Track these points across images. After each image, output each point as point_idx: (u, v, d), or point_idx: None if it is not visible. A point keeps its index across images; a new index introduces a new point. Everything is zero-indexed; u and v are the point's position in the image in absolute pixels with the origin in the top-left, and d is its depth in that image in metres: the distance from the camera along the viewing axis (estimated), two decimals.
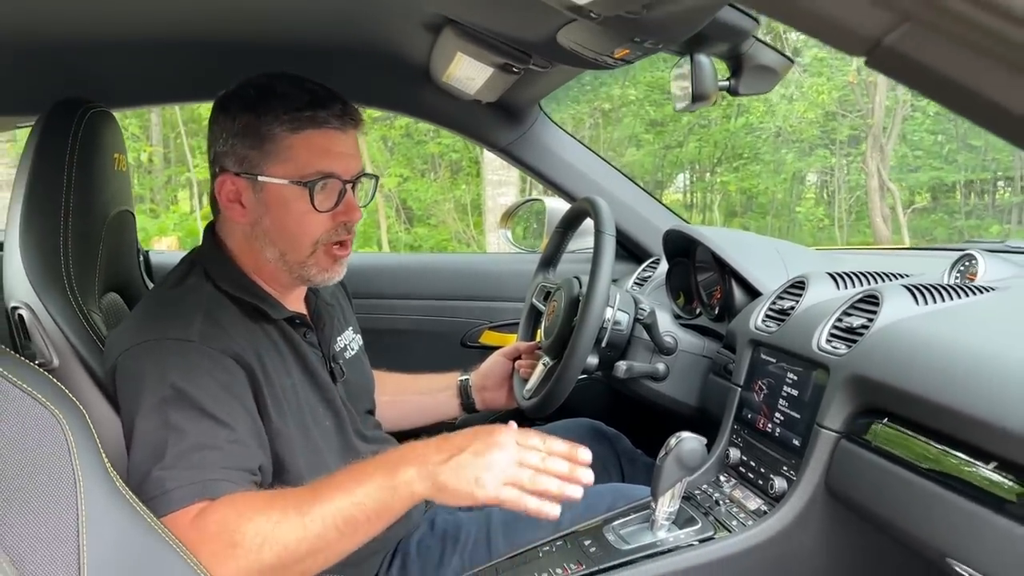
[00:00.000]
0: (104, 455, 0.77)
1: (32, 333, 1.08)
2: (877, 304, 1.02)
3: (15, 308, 1.10)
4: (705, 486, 1.18)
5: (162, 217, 8.68)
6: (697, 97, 1.13)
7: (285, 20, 1.37)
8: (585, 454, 0.97)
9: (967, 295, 1.02)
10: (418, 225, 9.14)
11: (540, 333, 1.45)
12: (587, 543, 1.07)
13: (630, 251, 1.87)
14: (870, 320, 1.00)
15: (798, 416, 1.05)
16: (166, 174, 10.08)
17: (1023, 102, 0.40)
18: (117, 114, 1.31)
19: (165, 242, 6.61)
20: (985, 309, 0.99)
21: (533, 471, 0.93)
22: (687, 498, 1.14)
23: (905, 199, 8.55)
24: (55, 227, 1.13)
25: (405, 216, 9.29)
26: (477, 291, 1.95)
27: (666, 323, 1.39)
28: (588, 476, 0.96)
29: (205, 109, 1.08)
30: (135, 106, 2.74)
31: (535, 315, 1.54)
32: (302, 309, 1.19)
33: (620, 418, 1.60)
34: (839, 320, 1.06)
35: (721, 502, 1.12)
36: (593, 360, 1.31)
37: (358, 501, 0.91)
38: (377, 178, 1.19)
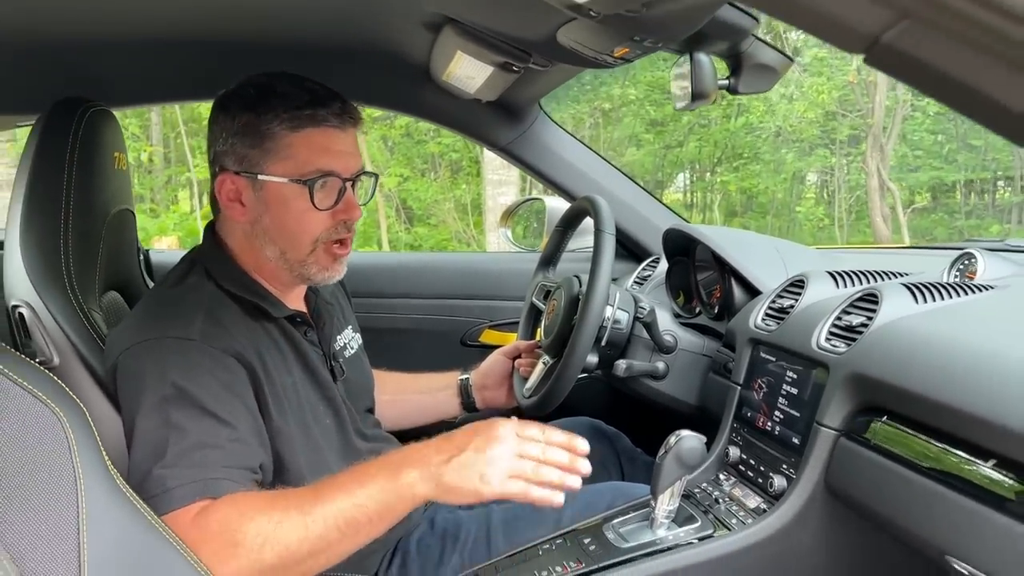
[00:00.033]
0: (104, 453, 0.77)
1: (32, 331, 1.09)
2: (876, 302, 1.02)
3: (15, 306, 1.10)
4: (705, 484, 1.18)
5: (162, 217, 8.68)
6: (697, 96, 1.13)
7: (285, 19, 1.37)
8: (583, 444, 0.98)
9: (966, 294, 1.02)
10: (418, 225, 9.14)
11: (540, 332, 1.45)
12: (587, 541, 1.08)
13: (630, 250, 1.87)
14: (869, 318, 1.00)
15: (798, 414, 1.06)
16: (166, 174, 10.08)
17: (1023, 100, 0.40)
18: (117, 113, 1.31)
19: (165, 242, 6.61)
20: (984, 307, 0.99)
21: (535, 462, 0.94)
22: (687, 496, 1.14)
23: (905, 199, 8.55)
24: (55, 226, 1.13)
25: (405, 216, 9.29)
26: (477, 290, 1.95)
27: (666, 322, 1.40)
28: (586, 466, 0.97)
29: (205, 109, 1.09)
30: (135, 105, 2.73)
31: (535, 314, 1.55)
32: (302, 308, 1.20)
33: (620, 417, 1.60)
34: (838, 318, 1.06)
35: (721, 500, 1.12)
36: (593, 359, 1.31)
37: (360, 503, 0.91)
38: (377, 176, 1.19)
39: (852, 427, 0.96)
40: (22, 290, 1.09)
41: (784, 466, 1.06)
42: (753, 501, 1.09)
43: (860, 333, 1.00)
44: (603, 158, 1.89)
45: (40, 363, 1.06)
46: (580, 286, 1.33)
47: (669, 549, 1.03)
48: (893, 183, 8.37)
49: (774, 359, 1.15)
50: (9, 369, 0.71)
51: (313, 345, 1.15)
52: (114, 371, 1.03)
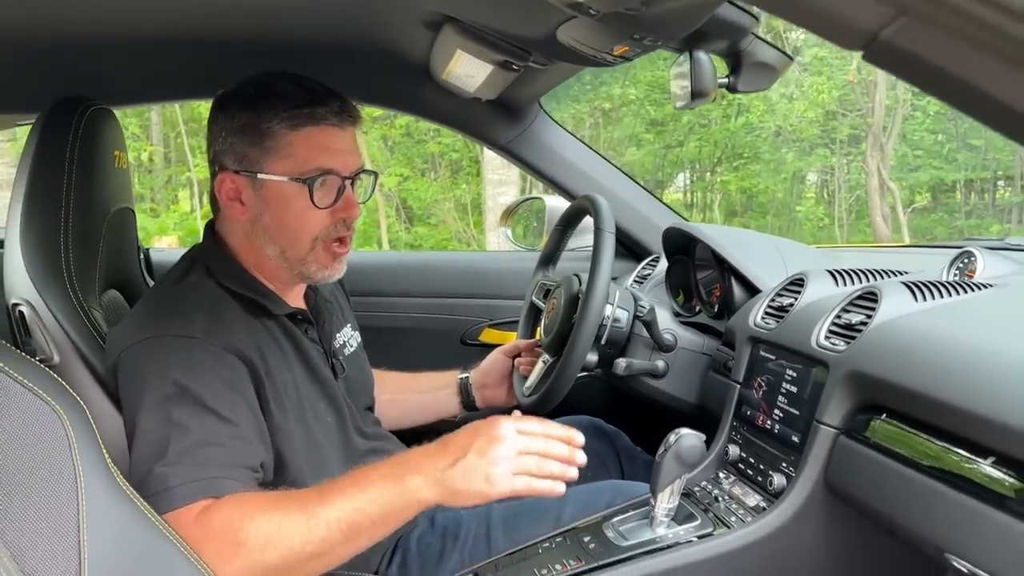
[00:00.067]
0: (104, 451, 0.77)
1: (33, 329, 1.09)
2: (876, 301, 1.02)
3: (16, 305, 1.10)
4: (704, 483, 1.18)
5: (162, 216, 8.68)
6: (696, 94, 1.13)
7: (285, 18, 1.37)
8: (580, 437, 0.99)
9: (966, 292, 1.02)
10: (418, 224, 9.14)
11: (540, 331, 1.45)
12: (586, 539, 1.08)
13: (630, 249, 1.87)
14: (869, 317, 1.00)
15: (797, 413, 1.06)
16: (166, 173, 10.08)
17: None
18: (117, 112, 1.31)
19: (166, 241, 6.62)
20: (984, 306, 0.99)
21: (538, 456, 0.95)
22: (686, 495, 1.14)
23: (905, 198, 8.55)
24: (55, 224, 1.13)
25: (405, 215, 9.29)
26: (477, 289, 1.95)
27: (666, 320, 1.40)
28: (583, 457, 0.99)
29: (205, 108, 1.09)
30: (135, 104, 2.74)
31: (535, 313, 1.55)
32: (303, 306, 1.20)
33: (620, 416, 1.60)
34: (838, 317, 1.06)
35: (720, 498, 1.12)
36: (592, 357, 1.32)
37: (364, 507, 0.92)
38: (376, 175, 1.19)
39: (852, 425, 0.96)
40: (22, 288, 1.09)
41: (783, 464, 1.06)
42: (753, 499, 1.09)
43: (860, 331, 1.00)
44: (603, 157, 1.89)
45: (40, 361, 1.06)
46: (580, 285, 1.33)
47: (669, 547, 1.03)
48: (893, 183, 8.38)
49: (774, 357, 1.15)
50: (9, 367, 0.71)
51: (314, 343, 1.16)
52: (115, 369, 1.03)
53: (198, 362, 0.98)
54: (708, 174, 10.13)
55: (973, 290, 1.02)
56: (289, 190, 1.05)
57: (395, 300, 1.94)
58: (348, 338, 1.29)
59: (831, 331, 1.05)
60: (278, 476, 1.05)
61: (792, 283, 1.25)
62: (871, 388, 0.94)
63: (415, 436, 1.43)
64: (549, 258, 1.57)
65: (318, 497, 0.93)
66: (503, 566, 1.08)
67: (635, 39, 0.95)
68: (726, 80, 1.20)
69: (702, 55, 1.11)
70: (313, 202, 1.05)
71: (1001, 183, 9.21)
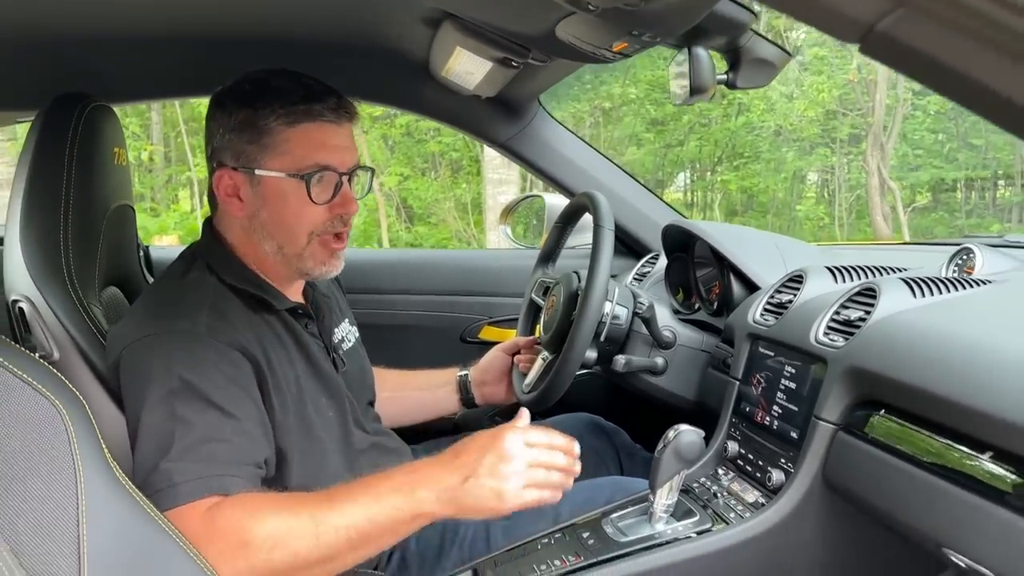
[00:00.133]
0: (104, 446, 0.77)
1: (32, 326, 1.09)
2: (875, 297, 1.02)
3: (15, 301, 1.10)
4: (703, 479, 1.18)
5: (163, 216, 8.69)
6: (695, 90, 1.13)
7: (285, 16, 1.37)
8: (577, 446, 1.02)
9: (965, 288, 1.02)
10: (418, 224, 9.15)
11: (539, 328, 1.45)
12: (585, 535, 1.08)
13: (629, 247, 1.88)
14: (868, 313, 1.00)
15: (796, 409, 1.06)
16: (167, 173, 10.09)
17: None
18: (117, 111, 1.31)
19: (166, 240, 6.62)
20: (983, 302, 0.99)
21: (544, 468, 0.96)
22: (685, 491, 1.14)
23: (906, 198, 8.55)
24: (55, 221, 1.13)
25: (406, 215, 9.29)
26: (476, 287, 1.95)
27: (665, 318, 1.40)
28: (578, 466, 1.02)
29: (205, 107, 1.09)
30: (135, 101, 2.74)
31: (534, 310, 1.55)
32: (302, 301, 1.20)
33: (619, 413, 1.60)
34: (837, 313, 1.06)
35: (719, 495, 1.12)
36: (592, 354, 1.32)
37: (373, 517, 0.92)
38: (373, 171, 1.20)
39: (850, 421, 0.96)
40: (22, 285, 1.09)
41: (782, 460, 1.06)
42: (751, 495, 1.09)
43: (858, 327, 1.00)
44: (602, 155, 1.89)
45: (40, 358, 1.06)
46: (579, 282, 1.33)
47: (667, 543, 1.03)
48: (893, 182, 8.38)
49: (772, 354, 1.15)
50: (9, 361, 0.71)
51: (314, 337, 1.16)
52: (117, 366, 1.03)
53: (202, 358, 0.98)
54: (708, 173, 10.13)
55: (972, 286, 1.02)
56: (286, 186, 1.06)
57: (395, 298, 1.94)
58: (347, 333, 1.29)
59: (830, 327, 1.05)
60: (279, 471, 1.05)
61: (791, 280, 1.25)
62: (870, 384, 0.94)
63: (415, 433, 1.44)
64: (548, 255, 1.57)
65: (328, 503, 0.93)
66: (502, 562, 1.08)
67: (634, 35, 0.95)
68: (725, 76, 1.20)
69: (701, 51, 1.12)
70: (310, 198, 1.05)
71: (1001, 182, 9.21)
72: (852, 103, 8.71)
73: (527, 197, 2.15)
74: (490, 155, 7.19)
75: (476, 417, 1.67)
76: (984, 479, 0.75)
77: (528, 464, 0.95)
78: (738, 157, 9.39)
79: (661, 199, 1.94)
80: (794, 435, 1.04)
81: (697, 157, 9.77)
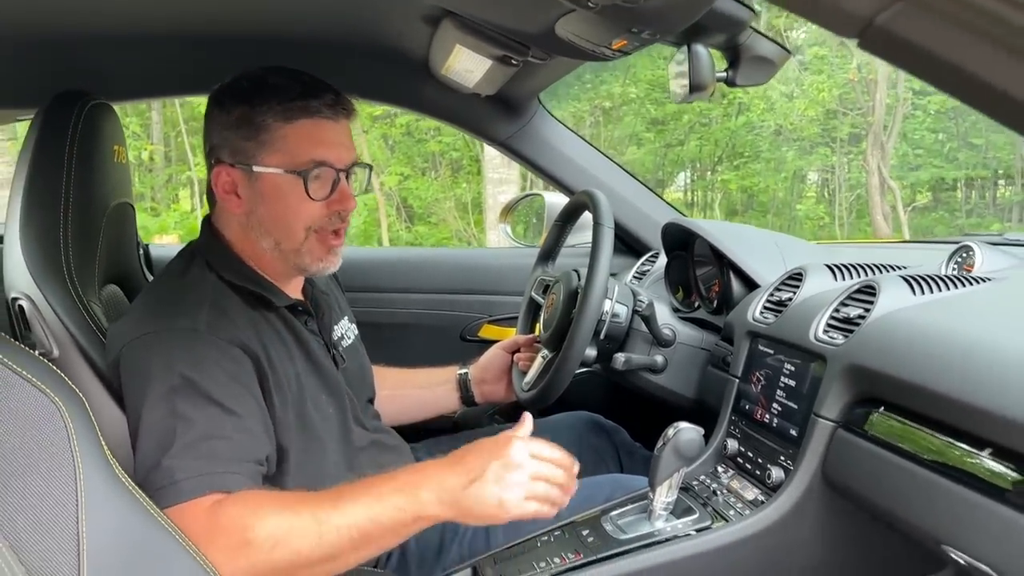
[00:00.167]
0: (104, 443, 0.77)
1: (32, 324, 1.09)
2: (874, 294, 1.02)
3: (15, 299, 1.10)
4: (703, 477, 1.18)
5: (163, 215, 8.69)
6: (694, 87, 1.13)
7: (284, 15, 1.37)
8: (577, 466, 1.02)
9: (964, 285, 1.02)
10: (419, 223, 9.15)
11: (539, 326, 1.45)
12: (585, 533, 1.08)
13: (629, 245, 1.87)
14: (867, 310, 1.00)
15: (795, 406, 1.06)
16: (167, 173, 10.09)
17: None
18: (118, 110, 1.31)
19: (166, 240, 6.62)
20: (982, 299, 0.99)
21: (546, 483, 0.97)
22: (685, 489, 1.14)
23: (906, 197, 8.55)
24: (55, 218, 1.13)
25: (406, 214, 9.29)
26: (476, 285, 1.95)
27: (664, 316, 1.40)
28: (576, 486, 1.02)
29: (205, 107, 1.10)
30: (135, 99, 2.74)
31: (534, 308, 1.55)
32: (301, 298, 1.20)
33: (619, 411, 1.60)
34: (836, 311, 1.06)
35: (719, 492, 1.12)
36: (591, 352, 1.32)
37: (375, 518, 0.92)
38: (371, 167, 1.20)
39: (850, 418, 0.96)
40: (22, 282, 1.09)
41: (782, 458, 1.06)
42: (751, 493, 1.09)
43: (858, 325, 1.00)
44: (602, 153, 1.89)
45: (40, 355, 1.06)
46: (579, 280, 1.33)
47: (667, 540, 1.03)
48: (894, 181, 8.38)
49: (772, 352, 1.15)
50: (8, 359, 0.71)
51: (313, 334, 1.16)
52: (117, 364, 1.03)
53: (203, 356, 0.98)
54: (709, 173, 10.14)
55: (971, 284, 1.02)
56: (284, 182, 1.06)
57: (395, 296, 1.94)
58: (346, 330, 1.29)
59: (829, 325, 1.05)
60: (278, 468, 1.05)
61: (791, 277, 1.25)
62: (869, 381, 0.94)
63: (414, 431, 1.44)
64: (548, 254, 1.57)
65: (330, 502, 0.93)
66: (501, 559, 1.08)
67: (633, 32, 0.95)
68: (724, 74, 1.20)
69: (700, 49, 1.12)
70: (308, 194, 1.05)
71: (1002, 182, 9.21)
72: (852, 102, 8.71)
73: (527, 196, 2.15)
74: (490, 154, 7.19)
75: (476, 415, 1.67)
76: (984, 476, 0.75)
77: (531, 476, 0.95)
78: (738, 156, 9.39)
79: (661, 197, 1.94)
80: (793, 433, 1.04)
81: (697, 157, 9.78)
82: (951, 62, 0.41)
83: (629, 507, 1.11)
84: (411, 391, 1.49)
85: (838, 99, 8.51)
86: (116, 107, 1.31)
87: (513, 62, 1.28)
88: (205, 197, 1.18)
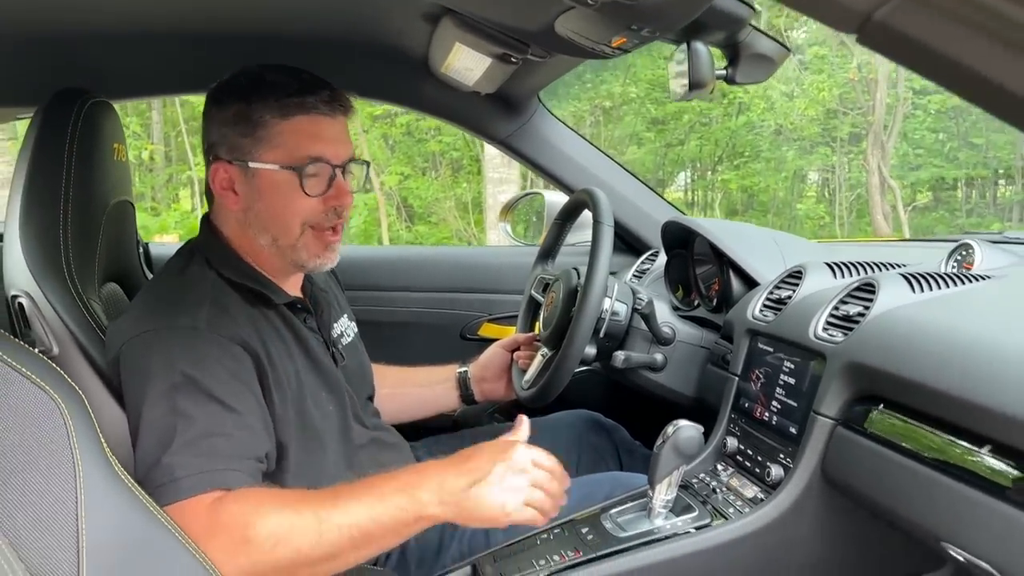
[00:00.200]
0: (103, 440, 0.77)
1: (32, 321, 1.09)
2: (874, 292, 1.02)
3: (15, 297, 1.10)
4: (702, 474, 1.18)
5: (163, 215, 8.69)
6: (694, 85, 1.13)
7: (284, 12, 1.37)
8: (568, 480, 1.03)
9: (964, 283, 1.02)
10: (419, 223, 9.15)
11: (539, 324, 1.45)
12: (585, 531, 1.08)
13: (629, 244, 1.87)
14: (867, 308, 1.00)
15: (795, 404, 1.06)
16: (167, 172, 10.09)
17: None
18: (117, 107, 1.31)
19: (167, 239, 6.62)
20: (982, 297, 0.99)
21: (542, 491, 0.97)
22: (684, 486, 1.15)
23: (906, 197, 8.55)
24: (55, 216, 1.13)
25: (406, 214, 9.29)
26: (476, 284, 1.95)
27: (664, 314, 1.40)
28: (566, 499, 1.03)
29: None
30: (135, 97, 2.74)
31: (534, 306, 1.55)
32: (300, 295, 1.20)
33: (618, 410, 1.60)
34: (836, 308, 1.06)
35: (718, 490, 1.12)
36: (591, 350, 1.32)
37: (375, 516, 0.92)
38: (368, 164, 1.20)
39: (849, 416, 0.96)
40: (22, 280, 1.09)
41: (781, 456, 1.06)
42: (750, 491, 1.09)
43: (857, 322, 1.00)
44: (602, 152, 1.89)
45: (39, 353, 1.06)
46: (579, 278, 1.33)
47: (666, 538, 1.03)
48: (894, 181, 8.38)
49: (772, 350, 1.15)
50: (8, 356, 0.71)
51: (313, 332, 1.16)
52: (117, 362, 1.03)
53: (204, 353, 0.98)
54: (709, 173, 10.13)
55: (971, 281, 1.02)
56: (280, 178, 1.06)
57: (395, 295, 1.94)
58: (345, 328, 1.29)
59: (829, 323, 1.05)
60: (277, 465, 1.05)
61: (790, 276, 1.25)
62: (869, 379, 0.94)
63: (414, 429, 1.44)
64: (548, 252, 1.57)
65: (332, 501, 0.93)
66: (501, 557, 1.08)
67: (633, 30, 0.95)
68: (724, 72, 1.20)
69: (700, 46, 1.11)
70: (304, 190, 1.06)
71: (1002, 181, 9.21)
72: (852, 102, 8.71)
73: (527, 194, 2.15)
74: (490, 154, 7.19)
75: (475, 414, 1.67)
76: (984, 474, 0.75)
77: (532, 482, 0.96)
78: (738, 156, 9.39)
79: (661, 196, 1.94)
80: (793, 430, 1.04)
81: (698, 156, 9.77)
82: (949, 56, 0.41)
83: (629, 505, 1.11)
84: (411, 389, 1.49)
85: (838, 98, 8.51)
86: (116, 105, 1.31)
87: (513, 60, 1.28)
88: (204, 195, 1.18)
